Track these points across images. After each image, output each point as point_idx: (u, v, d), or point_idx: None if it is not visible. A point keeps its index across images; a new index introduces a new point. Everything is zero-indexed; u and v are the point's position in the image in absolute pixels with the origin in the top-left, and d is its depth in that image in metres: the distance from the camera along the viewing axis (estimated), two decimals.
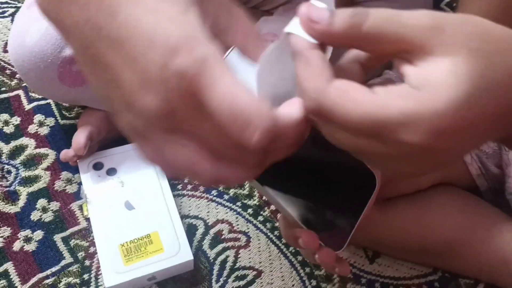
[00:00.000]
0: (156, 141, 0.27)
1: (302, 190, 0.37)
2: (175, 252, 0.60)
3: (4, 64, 0.81)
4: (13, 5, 0.89)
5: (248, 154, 0.26)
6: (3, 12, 0.87)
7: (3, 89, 0.78)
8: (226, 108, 0.24)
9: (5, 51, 0.83)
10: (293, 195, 0.37)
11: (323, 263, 0.36)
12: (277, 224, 0.67)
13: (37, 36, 0.63)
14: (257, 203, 0.69)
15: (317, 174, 0.38)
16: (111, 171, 0.67)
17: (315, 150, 0.36)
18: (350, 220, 0.37)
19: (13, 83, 0.79)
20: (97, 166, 0.67)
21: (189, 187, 0.70)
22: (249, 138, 0.24)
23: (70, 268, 0.62)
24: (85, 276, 0.61)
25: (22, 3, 0.89)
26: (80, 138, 0.65)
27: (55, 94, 0.69)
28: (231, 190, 0.70)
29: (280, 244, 0.66)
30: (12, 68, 0.81)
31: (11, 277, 0.61)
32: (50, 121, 0.75)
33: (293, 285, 0.62)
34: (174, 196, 0.67)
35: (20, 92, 0.78)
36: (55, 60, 0.63)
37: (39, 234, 0.64)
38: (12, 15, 0.87)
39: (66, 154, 0.67)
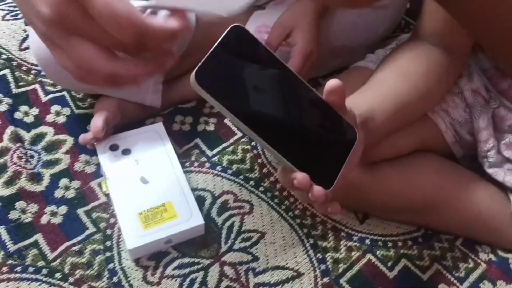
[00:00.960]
0: (60, 44, 0.35)
1: (294, 138, 0.43)
2: (188, 218, 0.68)
3: (21, 62, 0.88)
4: None
5: (130, 50, 0.34)
6: (16, 15, 0.95)
7: (21, 83, 0.85)
8: (105, 14, 0.32)
9: (21, 49, 0.90)
10: (286, 141, 0.43)
11: (316, 198, 0.43)
12: (276, 193, 0.75)
13: None
14: (258, 176, 0.77)
15: (308, 125, 0.45)
16: (126, 151, 0.75)
17: (304, 104, 0.44)
18: (337, 163, 0.45)
19: (29, 78, 0.87)
20: (113, 148, 0.75)
21: (196, 164, 0.78)
22: (123, 37, 0.33)
23: (94, 237, 0.69)
24: (108, 243, 0.68)
25: None
26: (98, 122, 0.73)
27: (74, 84, 0.76)
28: (234, 165, 0.78)
29: (280, 210, 0.73)
30: (27, 64, 0.88)
31: (41, 246, 0.68)
32: (66, 111, 0.83)
33: (293, 243, 0.70)
34: (183, 172, 0.75)
35: (37, 86, 0.86)
36: None
37: (63, 209, 0.71)
38: None
39: (85, 137, 0.74)
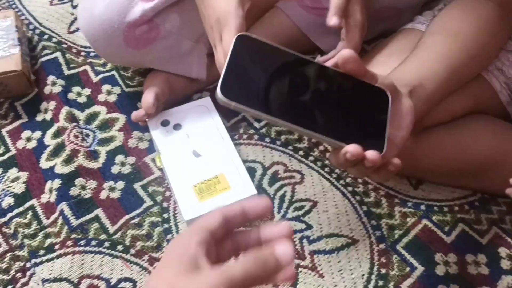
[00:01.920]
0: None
1: (331, 117, 0.45)
2: (241, 189, 0.69)
3: (70, 44, 0.91)
4: None
5: None
6: None
7: (72, 65, 0.88)
8: None
9: (70, 32, 0.92)
10: (325, 123, 0.44)
11: (373, 162, 0.43)
12: (326, 162, 0.75)
13: (103, 5, 0.71)
14: (307, 145, 0.77)
15: (338, 101, 0.46)
16: (177, 126, 0.76)
17: (327, 83, 0.46)
18: (380, 126, 0.45)
19: (80, 59, 0.89)
20: (165, 123, 0.76)
21: (245, 136, 0.79)
22: None
23: (151, 210, 0.71)
24: (165, 215, 0.71)
25: None
26: (148, 98, 0.74)
27: (122, 58, 0.78)
28: (282, 135, 0.78)
29: (331, 178, 0.73)
30: (77, 46, 0.90)
31: (101, 220, 0.71)
32: (117, 89, 0.85)
33: (346, 211, 0.70)
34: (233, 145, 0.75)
35: (87, 67, 0.88)
36: (121, 26, 0.71)
37: (121, 184, 0.74)
38: (71, 0, 0.97)
39: (137, 114, 0.76)
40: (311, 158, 0.76)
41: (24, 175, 0.75)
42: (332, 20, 0.65)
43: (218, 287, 0.32)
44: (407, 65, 0.58)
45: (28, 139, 0.79)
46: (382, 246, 0.66)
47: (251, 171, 0.74)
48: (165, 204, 0.72)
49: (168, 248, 0.39)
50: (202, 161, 0.72)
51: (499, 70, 0.68)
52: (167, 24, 0.72)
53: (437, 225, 0.68)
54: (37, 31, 0.92)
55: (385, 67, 0.66)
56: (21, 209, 0.72)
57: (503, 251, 0.66)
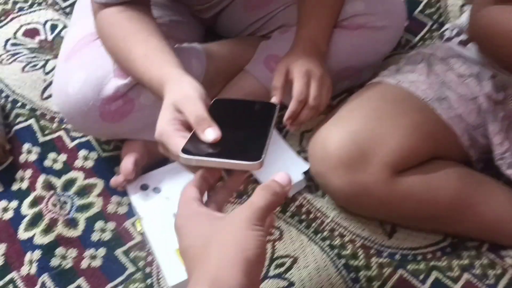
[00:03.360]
0: None
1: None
2: None
3: (43, 111, 0.92)
4: (43, 59, 1.00)
5: None
6: (35, 65, 0.98)
7: (47, 132, 0.89)
8: None
9: (43, 99, 0.93)
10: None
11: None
12: (303, 217, 0.78)
13: (78, 84, 0.74)
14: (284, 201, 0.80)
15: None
16: (156, 190, 0.78)
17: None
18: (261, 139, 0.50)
19: (54, 126, 0.90)
20: (144, 187, 0.78)
21: None
22: None
23: (135, 276, 0.72)
24: (148, 281, 0.71)
25: (49, 55, 1.00)
26: (128, 164, 0.76)
27: (98, 132, 0.80)
28: None
29: (309, 233, 0.76)
30: (51, 113, 0.91)
31: None
32: (93, 155, 0.86)
33: (325, 266, 0.72)
34: None
35: (62, 133, 0.89)
36: (96, 102, 0.73)
37: (102, 251, 0.74)
38: (43, 67, 0.98)
39: (116, 180, 0.77)
40: (288, 213, 0.78)
41: (2, 247, 0.75)
42: (272, 100, 0.75)
43: (251, 219, 0.41)
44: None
45: (5, 210, 0.79)
46: None
47: None
48: (148, 270, 0.72)
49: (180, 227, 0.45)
50: None
51: (459, 117, 0.74)
52: (141, 98, 0.75)
53: (412, 274, 0.71)
54: (10, 99, 0.93)
55: (349, 121, 0.71)
56: (0, 283, 0.71)
57: None
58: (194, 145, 0.48)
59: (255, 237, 0.41)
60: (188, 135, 0.50)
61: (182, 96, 0.54)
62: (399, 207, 0.71)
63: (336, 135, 0.70)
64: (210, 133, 0.49)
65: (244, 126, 0.53)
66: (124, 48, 0.67)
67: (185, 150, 0.47)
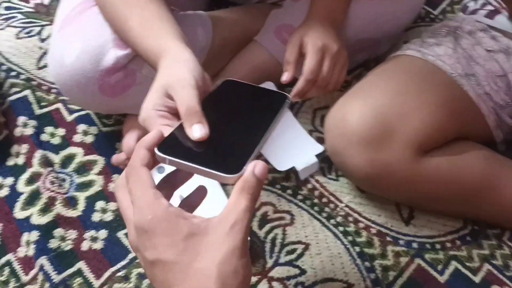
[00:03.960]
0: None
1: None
2: None
3: (40, 81, 0.86)
4: (38, 24, 0.94)
5: None
6: (30, 32, 0.92)
7: (43, 103, 0.84)
8: None
9: (39, 68, 0.88)
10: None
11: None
12: (315, 200, 0.74)
13: (74, 54, 0.68)
14: (294, 184, 0.76)
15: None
16: (160, 169, 0.73)
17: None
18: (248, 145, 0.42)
19: (51, 97, 0.85)
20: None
21: None
22: None
23: (138, 260, 0.68)
24: None
25: (46, 21, 0.94)
26: (130, 141, 0.71)
27: (97, 106, 0.75)
28: (269, 174, 0.77)
29: (321, 218, 0.72)
30: (48, 83, 0.86)
31: (85, 274, 0.67)
32: (93, 129, 0.81)
33: (339, 253, 0.69)
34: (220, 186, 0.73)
35: (59, 105, 0.84)
36: (95, 74, 0.68)
37: (103, 233, 0.70)
38: (39, 33, 0.92)
39: (118, 158, 0.72)
40: (299, 197, 0.74)
41: None
42: (283, 77, 0.70)
43: (237, 229, 0.37)
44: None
45: (0, 187, 0.75)
46: None
47: None
48: None
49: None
50: None
51: (487, 94, 0.69)
52: (144, 69, 0.69)
53: (430, 264, 0.68)
54: (4, 67, 0.87)
55: (372, 95, 0.66)
56: None
57: None
58: (174, 141, 0.42)
59: (243, 266, 0.37)
60: (174, 124, 0.44)
61: (175, 79, 0.46)
62: (422, 188, 0.67)
63: (357, 109, 0.65)
64: (197, 131, 0.42)
65: (240, 124, 0.45)
66: (121, 15, 0.60)
67: (161, 147, 0.41)
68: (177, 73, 0.47)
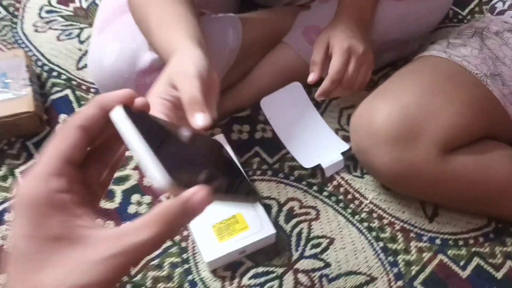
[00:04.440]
0: None
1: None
2: (259, 228, 0.70)
3: (80, 81, 0.91)
4: (77, 26, 0.99)
5: None
6: (70, 34, 0.97)
7: (83, 102, 0.89)
8: None
9: (78, 69, 0.93)
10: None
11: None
12: (341, 197, 0.76)
13: (113, 57, 0.73)
14: (320, 181, 0.78)
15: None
16: None
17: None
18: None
19: (89, 96, 0.89)
20: None
21: (258, 172, 0.80)
22: None
23: (170, 250, 0.72)
24: (184, 256, 0.71)
25: (84, 24, 0.99)
26: None
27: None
28: (296, 171, 0.79)
29: (346, 214, 0.74)
30: (87, 83, 0.91)
31: None
32: None
33: (363, 248, 0.71)
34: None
35: None
36: (131, 75, 0.72)
37: None
38: (78, 35, 0.97)
39: None
40: (325, 193, 0.77)
41: None
42: (309, 77, 0.73)
43: (137, 251, 0.27)
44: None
45: None
46: (400, 283, 0.67)
47: (267, 208, 0.75)
48: (183, 244, 0.72)
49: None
50: None
51: None
52: None
53: (453, 260, 0.69)
54: (46, 68, 0.93)
55: (399, 95, 0.68)
56: None
57: None
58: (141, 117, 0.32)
59: None
60: (169, 114, 0.44)
61: (179, 70, 0.48)
62: (447, 187, 0.68)
63: (384, 109, 0.67)
64: (200, 119, 0.43)
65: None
66: (143, 17, 0.63)
67: (125, 110, 0.30)
68: (182, 65, 0.49)
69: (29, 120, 0.82)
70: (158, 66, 0.72)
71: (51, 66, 0.93)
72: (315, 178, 0.79)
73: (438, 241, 0.71)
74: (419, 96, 0.68)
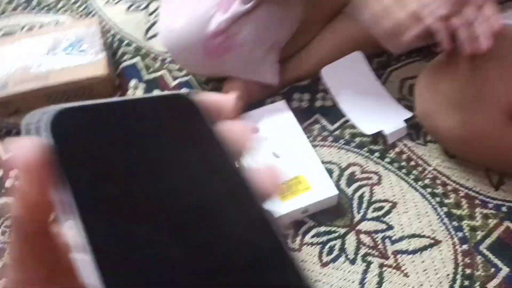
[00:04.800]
0: None
1: None
2: (321, 189, 0.71)
3: (147, 51, 0.95)
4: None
5: None
6: (139, 6, 1.02)
7: (151, 70, 0.93)
8: None
9: (147, 39, 0.97)
10: None
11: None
12: (403, 163, 0.76)
13: (183, 20, 0.76)
14: (382, 148, 0.78)
15: None
16: (254, 129, 0.79)
17: None
18: None
19: (157, 65, 0.93)
20: None
21: (319, 138, 0.81)
22: None
23: None
24: None
25: None
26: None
27: (202, 68, 0.82)
28: (357, 138, 0.80)
29: (409, 180, 0.74)
30: (154, 52, 0.95)
31: None
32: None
33: (426, 212, 0.71)
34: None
35: (164, 72, 0.92)
36: (200, 37, 0.75)
37: None
38: (146, 7, 1.01)
39: None
40: (387, 159, 0.77)
41: None
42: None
43: None
44: None
45: None
46: (465, 247, 0.67)
47: (328, 172, 0.76)
48: None
49: None
50: (282, 162, 0.75)
51: None
52: (242, 33, 0.75)
53: None
54: (117, 37, 0.97)
55: None
56: None
57: None
58: None
59: None
60: None
61: None
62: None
63: (449, 73, 0.66)
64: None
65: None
66: None
67: None
68: None
69: (104, 83, 0.86)
70: (224, 28, 0.74)
71: (122, 35, 0.98)
72: (376, 145, 0.79)
73: (504, 209, 0.70)
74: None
